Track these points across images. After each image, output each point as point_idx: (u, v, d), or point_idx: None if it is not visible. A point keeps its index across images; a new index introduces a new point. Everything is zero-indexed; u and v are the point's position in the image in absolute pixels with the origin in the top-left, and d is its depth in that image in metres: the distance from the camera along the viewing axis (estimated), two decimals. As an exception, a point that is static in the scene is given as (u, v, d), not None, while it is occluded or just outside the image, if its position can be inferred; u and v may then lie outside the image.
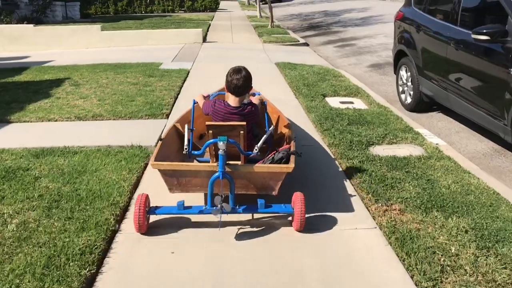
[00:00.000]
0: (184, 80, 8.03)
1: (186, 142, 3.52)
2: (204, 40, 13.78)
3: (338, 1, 34.40)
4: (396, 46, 6.85)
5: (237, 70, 3.40)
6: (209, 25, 18.49)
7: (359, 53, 11.85)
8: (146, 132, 5.15)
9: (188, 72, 8.78)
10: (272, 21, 17.73)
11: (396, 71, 6.91)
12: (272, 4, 18.62)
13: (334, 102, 6.69)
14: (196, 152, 3.47)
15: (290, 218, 3.29)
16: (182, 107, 6.26)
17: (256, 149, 3.31)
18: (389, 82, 8.55)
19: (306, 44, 13.91)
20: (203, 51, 11.72)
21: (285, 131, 4.08)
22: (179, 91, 7.23)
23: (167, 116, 5.86)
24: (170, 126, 4.07)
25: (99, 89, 7.15)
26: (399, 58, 6.78)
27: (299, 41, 14.05)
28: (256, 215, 3.36)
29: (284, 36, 14.87)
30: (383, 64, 10.22)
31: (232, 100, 3.43)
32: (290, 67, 9.35)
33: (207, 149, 3.27)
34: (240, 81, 3.35)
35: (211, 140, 3.12)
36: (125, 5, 27.40)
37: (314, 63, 10.10)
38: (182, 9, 28.03)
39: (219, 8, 30.15)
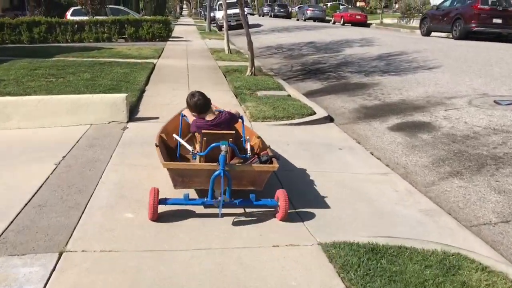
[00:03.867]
0: None
1: (189, 148, 3.84)
2: (132, 115, 6.91)
3: (318, 29, 28.54)
4: None
5: (192, 95, 4.03)
6: (152, 69, 11.63)
7: (477, 163, 5.29)
8: None
9: None
10: (253, 65, 11.12)
11: None
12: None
13: None
14: (201, 153, 3.76)
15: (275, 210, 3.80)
16: None
17: (249, 153, 3.94)
18: None
19: (330, 119, 7.36)
20: (115, 166, 4.82)
21: (256, 140, 4.53)
22: None
23: None
24: (157, 135, 4.39)
25: None
26: None
27: (314, 112, 7.44)
28: (247, 209, 3.84)
29: (284, 99, 8.25)
30: None
31: (206, 116, 4.00)
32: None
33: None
34: (200, 100, 3.98)
35: (215, 144, 3.60)
36: (43, 31, 20.15)
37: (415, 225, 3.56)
38: (122, 37, 21.01)
39: (172, 35, 23.38)
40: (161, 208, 3.61)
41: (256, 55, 16.61)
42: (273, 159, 3.91)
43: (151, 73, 11.00)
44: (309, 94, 9.44)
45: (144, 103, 7.81)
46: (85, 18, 20.99)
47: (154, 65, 12.44)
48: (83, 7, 21.50)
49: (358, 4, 57.99)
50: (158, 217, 3.55)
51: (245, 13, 35.78)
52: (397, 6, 43.75)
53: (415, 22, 33.39)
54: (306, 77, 11.75)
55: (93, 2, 20.98)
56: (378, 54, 14.49)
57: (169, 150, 4.42)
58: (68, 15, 22.53)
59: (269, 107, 7.50)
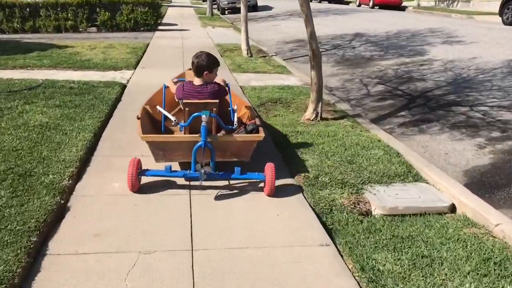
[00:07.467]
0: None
1: (172, 117, 3.61)
2: None
3: (349, 13, 22.69)
4: None
5: (199, 55, 3.76)
6: (115, 102, 5.78)
7: None
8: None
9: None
10: (320, 100, 5.38)
11: None
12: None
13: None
14: (183, 124, 3.54)
15: (262, 185, 3.58)
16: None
17: (235, 124, 3.69)
18: None
19: None
20: None
21: (245, 110, 4.38)
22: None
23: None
24: (141, 108, 4.17)
25: None
26: None
27: None
28: (232, 182, 3.64)
29: (492, 260, 2.57)
30: None
31: (196, 80, 3.77)
32: None
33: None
34: (199, 62, 3.70)
35: (197, 113, 3.39)
36: (-19, 17, 14.17)
37: None
38: (94, 24, 15.04)
39: (162, 22, 17.43)
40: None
41: (285, 54, 10.82)
42: (260, 128, 3.77)
43: (109, 116, 5.19)
44: (499, 203, 3.73)
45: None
46: (41, -2, 14.99)
47: (123, 88, 6.62)
48: (39, -18, 15.40)
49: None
50: (139, 188, 3.44)
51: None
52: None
53: (460, 5, 27.51)
54: (415, 117, 6.01)
55: (52, -24, 14.85)
56: (501, 60, 8.70)
57: (155, 124, 4.17)
58: (21, -6, 16.41)
59: None
